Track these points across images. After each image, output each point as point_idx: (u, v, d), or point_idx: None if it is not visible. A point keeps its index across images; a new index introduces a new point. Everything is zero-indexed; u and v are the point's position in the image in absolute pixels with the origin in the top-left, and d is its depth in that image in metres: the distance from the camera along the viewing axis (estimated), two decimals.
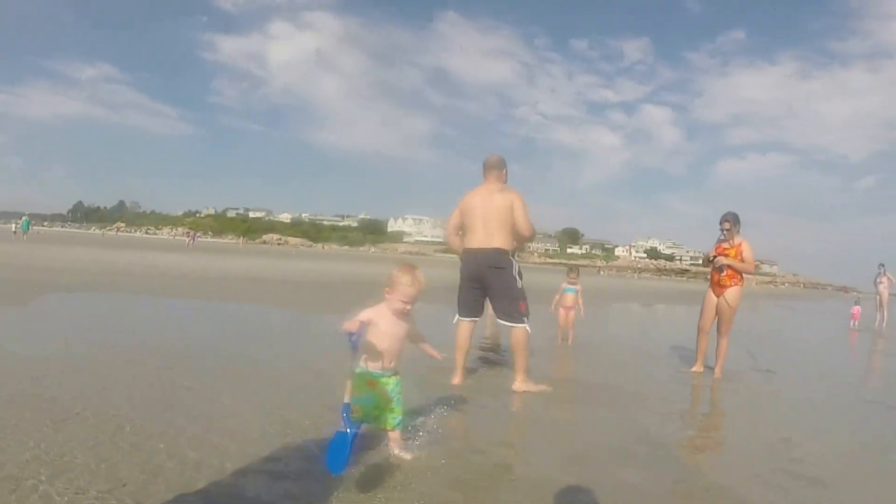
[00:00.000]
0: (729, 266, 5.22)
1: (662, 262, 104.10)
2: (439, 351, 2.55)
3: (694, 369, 5.36)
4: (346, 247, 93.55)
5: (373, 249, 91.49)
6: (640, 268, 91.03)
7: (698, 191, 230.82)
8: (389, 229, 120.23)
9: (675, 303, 19.02)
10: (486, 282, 3.91)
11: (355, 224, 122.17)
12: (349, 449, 2.03)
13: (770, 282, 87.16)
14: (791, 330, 13.66)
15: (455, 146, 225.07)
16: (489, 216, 3.88)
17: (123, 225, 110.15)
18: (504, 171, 4.14)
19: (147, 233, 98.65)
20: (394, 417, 2.35)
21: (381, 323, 2.30)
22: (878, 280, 14.15)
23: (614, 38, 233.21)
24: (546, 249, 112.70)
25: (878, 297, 14.16)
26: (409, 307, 2.34)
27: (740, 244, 5.28)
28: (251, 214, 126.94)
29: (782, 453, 2.92)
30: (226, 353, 4.52)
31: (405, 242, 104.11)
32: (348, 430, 2.07)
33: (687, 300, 19.92)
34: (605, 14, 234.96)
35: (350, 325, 2.19)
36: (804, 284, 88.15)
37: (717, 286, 5.31)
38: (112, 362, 3.70)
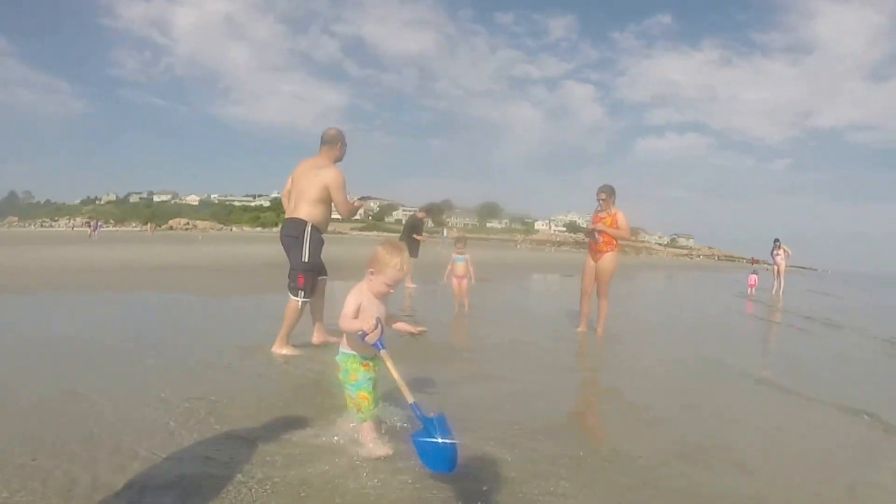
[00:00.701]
0: (604, 232, 5.72)
1: (581, 235, 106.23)
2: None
3: (578, 329, 5.96)
4: (258, 228, 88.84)
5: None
6: (558, 241, 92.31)
7: (618, 167, 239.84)
8: None
9: (580, 272, 17.56)
10: (285, 250, 4.14)
11: (268, 204, 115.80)
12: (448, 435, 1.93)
13: (686, 254, 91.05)
14: (690, 296, 15.20)
15: (373, 120, 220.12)
16: (303, 189, 4.08)
17: (16, 220, 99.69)
18: (338, 146, 4.23)
19: (42, 226, 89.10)
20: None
21: (368, 305, 2.29)
22: (774, 252, 15.69)
23: (540, 14, 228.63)
24: (465, 224, 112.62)
25: (775, 267, 15.70)
26: (391, 291, 2.33)
27: (615, 214, 5.79)
28: (156, 198, 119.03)
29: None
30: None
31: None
32: (432, 421, 1.96)
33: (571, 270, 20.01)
34: None
35: (369, 328, 2.14)
36: (719, 257, 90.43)
37: (595, 252, 5.83)
38: None
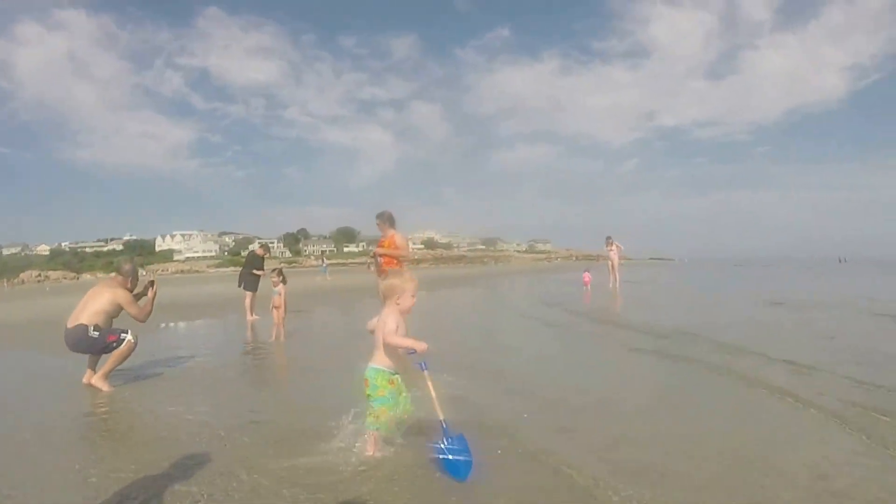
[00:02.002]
0: (384, 255, 6.39)
1: (440, 251, 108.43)
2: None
3: None
4: (112, 274, 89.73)
5: (143, 272, 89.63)
6: (417, 258, 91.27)
7: (471, 181, 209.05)
8: (158, 249, 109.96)
9: (428, 289, 19.98)
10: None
11: (121, 248, 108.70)
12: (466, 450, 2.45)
13: (545, 258, 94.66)
14: (526, 294, 17.14)
15: (223, 153, 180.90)
16: (89, 301, 5.01)
17: None
18: (129, 279, 5.32)
19: None
20: (410, 405, 2.74)
21: (401, 324, 2.72)
22: (608, 249, 17.05)
23: (382, 35, 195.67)
24: (322, 251, 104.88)
25: (609, 262, 17.06)
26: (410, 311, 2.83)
27: (392, 236, 6.45)
28: (4, 251, 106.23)
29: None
30: None
31: (176, 261, 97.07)
32: (451, 442, 2.45)
33: (445, 284, 22.93)
34: (372, 10, 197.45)
35: (421, 347, 2.60)
36: (576, 257, 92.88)
37: (382, 272, 6.31)
38: None
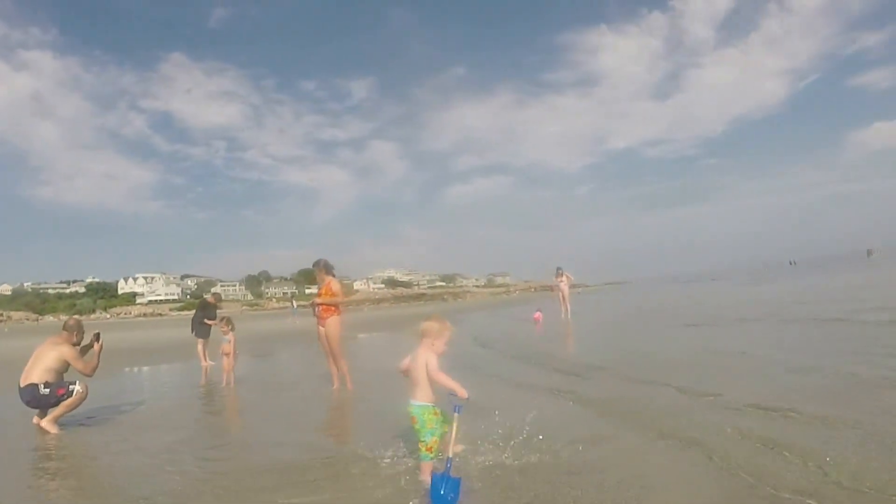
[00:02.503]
0: (322, 304, 6.52)
1: (400, 289, 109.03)
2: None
3: (334, 388, 6.60)
4: (75, 316, 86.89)
5: (106, 315, 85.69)
6: (377, 298, 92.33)
7: (430, 217, 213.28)
8: (121, 291, 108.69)
9: (377, 330, 20.49)
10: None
11: (83, 290, 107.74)
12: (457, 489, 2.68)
13: (504, 291, 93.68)
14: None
15: (185, 195, 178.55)
16: (38, 358, 5.37)
17: None
18: (74, 334, 5.67)
19: None
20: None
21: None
22: (558, 280, 17.10)
23: (342, 78, 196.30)
24: (284, 293, 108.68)
25: (560, 293, 16.99)
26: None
27: (329, 282, 6.57)
28: None
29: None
30: None
31: (139, 304, 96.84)
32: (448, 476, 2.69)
33: (396, 325, 22.38)
34: (331, 54, 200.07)
35: (463, 392, 2.89)
36: (535, 288, 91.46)
37: (321, 319, 6.55)
38: None
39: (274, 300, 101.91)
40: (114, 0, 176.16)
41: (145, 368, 11.59)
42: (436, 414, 2.96)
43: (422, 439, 2.95)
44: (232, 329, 8.21)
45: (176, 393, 8.06)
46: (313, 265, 6.72)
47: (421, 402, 2.97)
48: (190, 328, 11.02)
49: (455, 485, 2.66)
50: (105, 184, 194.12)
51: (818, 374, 5.27)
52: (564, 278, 17.00)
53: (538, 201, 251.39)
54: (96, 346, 5.77)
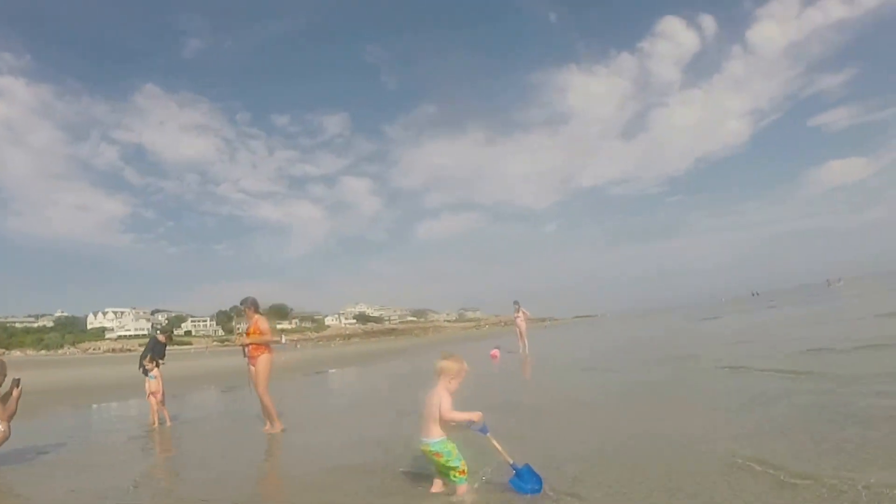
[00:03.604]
0: (251, 343, 6.48)
1: (371, 325, 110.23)
2: None
3: (264, 429, 6.46)
4: (42, 351, 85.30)
5: (74, 351, 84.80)
6: (348, 334, 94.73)
7: (401, 252, 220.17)
8: (90, 326, 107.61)
9: (346, 364, 21.68)
10: None
11: (51, 324, 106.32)
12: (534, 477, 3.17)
13: (474, 326, 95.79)
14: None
15: (156, 229, 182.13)
16: None
17: None
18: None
19: None
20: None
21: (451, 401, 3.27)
22: (515, 315, 16.62)
23: (314, 113, 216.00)
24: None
25: (517, 329, 16.68)
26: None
27: (256, 321, 6.53)
28: None
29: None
30: None
31: (108, 339, 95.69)
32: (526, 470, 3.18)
33: (364, 360, 23.58)
34: (305, 90, 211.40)
35: (478, 417, 3.23)
36: (505, 322, 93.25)
37: (251, 358, 6.52)
38: None
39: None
40: (87, 28, 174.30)
41: (94, 406, 11.51)
42: (453, 443, 3.24)
43: (453, 466, 3.20)
44: (157, 366, 8.14)
45: (112, 432, 7.69)
46: (241, 303, 6.68)
47: (437, 438, 3.21)
48: (138, 365, 10.09)
49: (529, 471, 3.17)
50: (76, 215, 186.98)
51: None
52: (521, 314, 16.60)
53: (508, 237, 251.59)
54: (16, 392, 5.53)
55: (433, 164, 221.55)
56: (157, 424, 7.64)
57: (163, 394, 7.95)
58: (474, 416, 3.22)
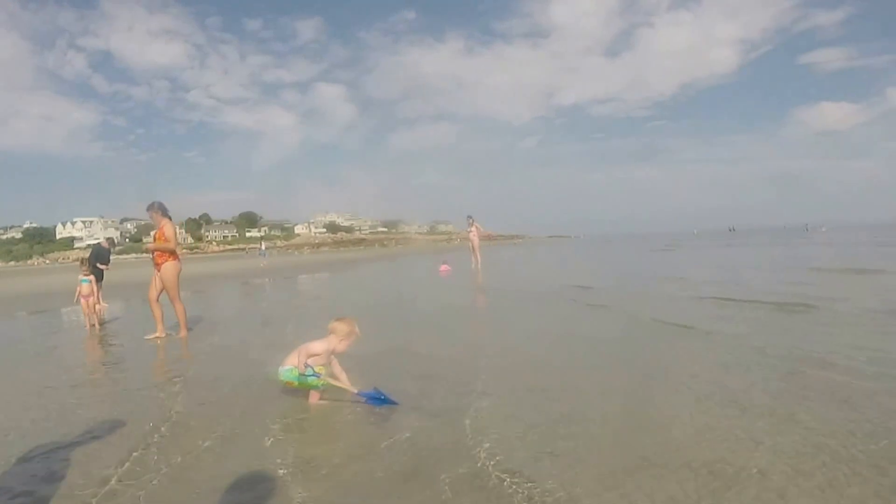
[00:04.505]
0: (155, 249, 6.29)
1: (341, 234, 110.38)
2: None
3: (156, 335, 6.22)
4: (11, 262, 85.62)
5: (43, 261, 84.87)
6: (317, 243, 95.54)
7: (374, 162, 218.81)
8: (59, 236, 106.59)
9: (305, 272, 22.11)
10: None
11: (20, 235, 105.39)
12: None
13: (445, 239, 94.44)
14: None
15: (126, 137, 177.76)
16: None
17: None
18: None
19: None
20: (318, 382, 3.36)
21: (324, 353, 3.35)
22: (469, 230, 16.57)
23: (287, 17, 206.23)
24: (224, 236, 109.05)
25: (470, 244, 16.47)
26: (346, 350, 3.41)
27: (163, 226, 6.26)
28: None
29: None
30: None
31: (77, 249, 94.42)
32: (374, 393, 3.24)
33: (332, 267, 24.39)
34: None
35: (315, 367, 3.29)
36: (485, 236, 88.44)
37: (155, 264, 6.32)
38: None
39: (214, 243, 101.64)
40: None
41: (43, 312, 11.22)
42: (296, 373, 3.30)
43: (306, 381, 3.29)
44: (91, 272, 8.04)
45: (55, 336, 7.58)
46: (147, 208, 6.36)
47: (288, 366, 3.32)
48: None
49: (376, 392, 3.20)
50: (43, 126, 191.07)
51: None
52: (475, 229, 16.47)
53: (485, 151, 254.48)
54: None
55: (410, 72, 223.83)
56: (89, 327, 7.56)
57: (95, 297, 7.85)
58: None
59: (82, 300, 7.70)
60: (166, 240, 6.25)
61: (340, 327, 3.31)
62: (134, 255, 71.07)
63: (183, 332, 6.31)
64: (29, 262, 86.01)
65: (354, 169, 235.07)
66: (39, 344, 6.79)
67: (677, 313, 6.14)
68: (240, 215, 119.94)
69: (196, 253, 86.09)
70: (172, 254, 6.34)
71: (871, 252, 17.47)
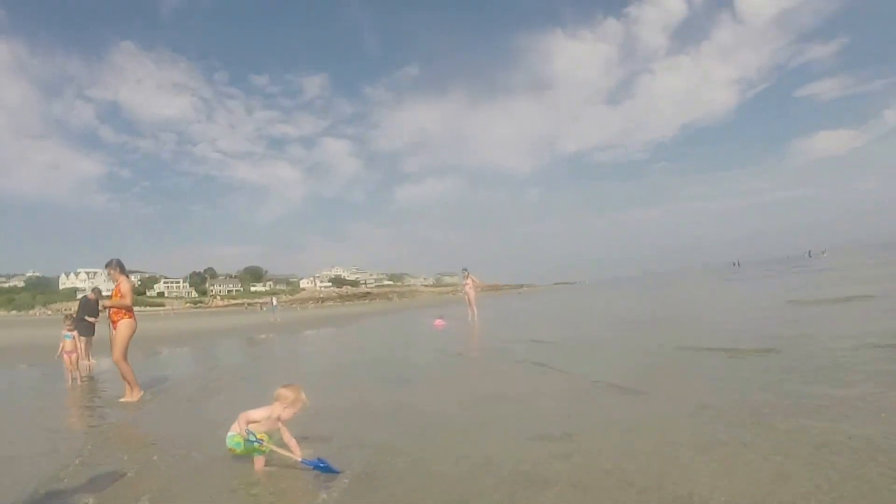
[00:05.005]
0: (112, 306, 6.30)
1: (347, 288, 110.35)
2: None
3: (126, 398, 6.06)
4: (13, 312, 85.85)
5: (45, 311, 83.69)
6: (322, 297, 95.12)
7: (380, 216, 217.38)
8: (62, 286, 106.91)
9: (311, 327, 22.37)
10: None
11: (22, 284, 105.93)
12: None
13: (451, 291, 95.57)
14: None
15: (132, 188, 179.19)
16: None
17: None
18: None
19: None
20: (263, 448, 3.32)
21: (269, 420, 3.31)
22: (464, 283, 16.42)
23: (294, 74, 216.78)
24: (229, 290, 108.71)
25: (465, 296, 16.33)
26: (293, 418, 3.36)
27: (119, 283, 6.29)
28: None
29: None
30: None
31: (79, 300, 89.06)
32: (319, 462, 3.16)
33: (331, 323, 24.53)
34: (284, 50, 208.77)
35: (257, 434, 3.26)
36: (482, 288, 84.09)
37: (112, 322, 6.32)
38: None
39: (219, 298, 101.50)
40: None
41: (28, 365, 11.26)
42: (242, 438, 3.24)
43: (253, 446, 3.25)
44: (74, 327, 8.13)
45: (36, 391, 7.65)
46: (105, 265, 6.43)
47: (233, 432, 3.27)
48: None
49: (322, 461, 3.13)
50: (49, 174, 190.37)
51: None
52: (470, 281, 16.37)
53: (489, 202, 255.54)
54: None
55: (415, 126, 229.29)
56: (70, 381, 7.57)
57: (78, 353, 7.89)
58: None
59: (65, 356, 7.67)
60: (122, 296, 6.24)
61: (285, 395, 3.32)
62: (137, 308, 71.65)
63: (131, 395, 6.10)
64: (31, 312, 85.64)
65: (360, 222, 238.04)
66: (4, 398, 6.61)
67: (622, 370, 5.80)
68: (245, 269, 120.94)
69: (200, 307, 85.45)
70: (129, 311, 6.32)
71: (861, 276, 17.40)
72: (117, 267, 6.33)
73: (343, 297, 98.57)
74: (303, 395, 3.33)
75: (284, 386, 3.36)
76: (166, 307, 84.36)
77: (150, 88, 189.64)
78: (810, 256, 63.45)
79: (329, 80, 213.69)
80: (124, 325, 6.25)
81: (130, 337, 6.29)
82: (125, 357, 6.17)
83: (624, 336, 9.22)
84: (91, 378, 8.17)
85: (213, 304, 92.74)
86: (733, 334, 7.58)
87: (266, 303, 48.37)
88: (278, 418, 3.30)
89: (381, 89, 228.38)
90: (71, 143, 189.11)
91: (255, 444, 3.26)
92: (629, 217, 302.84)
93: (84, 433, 4.66)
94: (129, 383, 6.09)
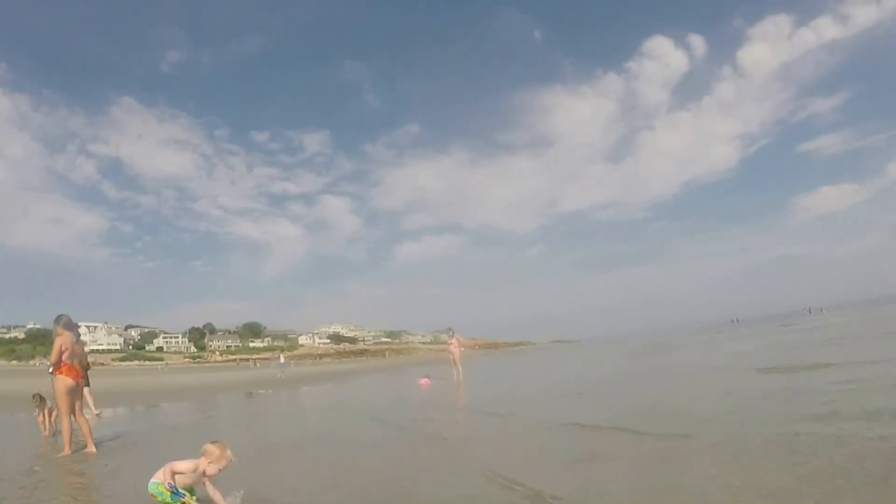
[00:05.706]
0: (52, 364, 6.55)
1: (345, 345, 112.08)
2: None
3: (64, 453, 6.20)
4: (14, 362, 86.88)
5: (46, 362, 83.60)
6: (320, 354, 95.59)
7: (379, 273, 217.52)
8: None
9: (310, 383, 23.25)
10: None
11: (23, 336, 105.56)
12: None
13: (446, 349, 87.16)
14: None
15: (133, 244, 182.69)
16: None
17: None
18: None
19: None
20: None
21: (195, 475, 3.45)
22: (449, 343, 16.77)
23: (294, 131, 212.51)
24: (228, 346, 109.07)
25: (451, 356, 16.55)
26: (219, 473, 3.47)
27: (54, 340, 6.56)
28: None
29: None
30: None
31: None
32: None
33: (320, 380, 25.12)
34: (285, 107, 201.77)
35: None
36: (479, 346, 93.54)
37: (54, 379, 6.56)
38: None
39: (217, 353, 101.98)
40: (64, 38, 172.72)
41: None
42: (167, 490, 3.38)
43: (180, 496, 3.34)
44: (44, 405, 8.33)
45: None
46: (54, 321, 6.60)
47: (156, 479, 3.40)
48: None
49: None
50: (51, 228, 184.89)
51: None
52: (455, 341, 16.70)
53: (489, 261, 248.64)
54: None
55: (415, 184, 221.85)
56: (46, 433, 8.16)
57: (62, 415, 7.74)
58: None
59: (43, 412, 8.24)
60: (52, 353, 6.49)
61: (211, 450, 3.45)
62: (137, 362, 72.15)
63: (66, 450, 6.26)
64: (31, 362, 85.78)
65: (359, 279, 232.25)
66: None
67: (526, 468, 4.53)
68: (243, 325, 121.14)
69: (199, 362, 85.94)
70: (58, 367, 6.51)
71: (844, 336, 16.43)
72: (57, 324, 6.62)
73: (340, 354, 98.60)
74: (228, 452, 3.46)
75: (212, 442, 3.50)
76: (164, 361, 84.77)
77: (151, 144, 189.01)
78: (810, 313, 63.79)
79: (330, 137, 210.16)
80: (56, 380, 6.49)
81: (65, 392, 6.44)
82: (66, 413, 6.43)
83: (543, 408, 8.40)
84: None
85: (212, 360, 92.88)
86: (672, 412, 6.59)
87: (274, 358, 47.89)
88: (203, 473, 3.42)
89: (381, 147, 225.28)
90: (73, 197, 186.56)
91: (180, 499, 3.38)
92: (628, 275, 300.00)
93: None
94: (64, 438, 6.32)
